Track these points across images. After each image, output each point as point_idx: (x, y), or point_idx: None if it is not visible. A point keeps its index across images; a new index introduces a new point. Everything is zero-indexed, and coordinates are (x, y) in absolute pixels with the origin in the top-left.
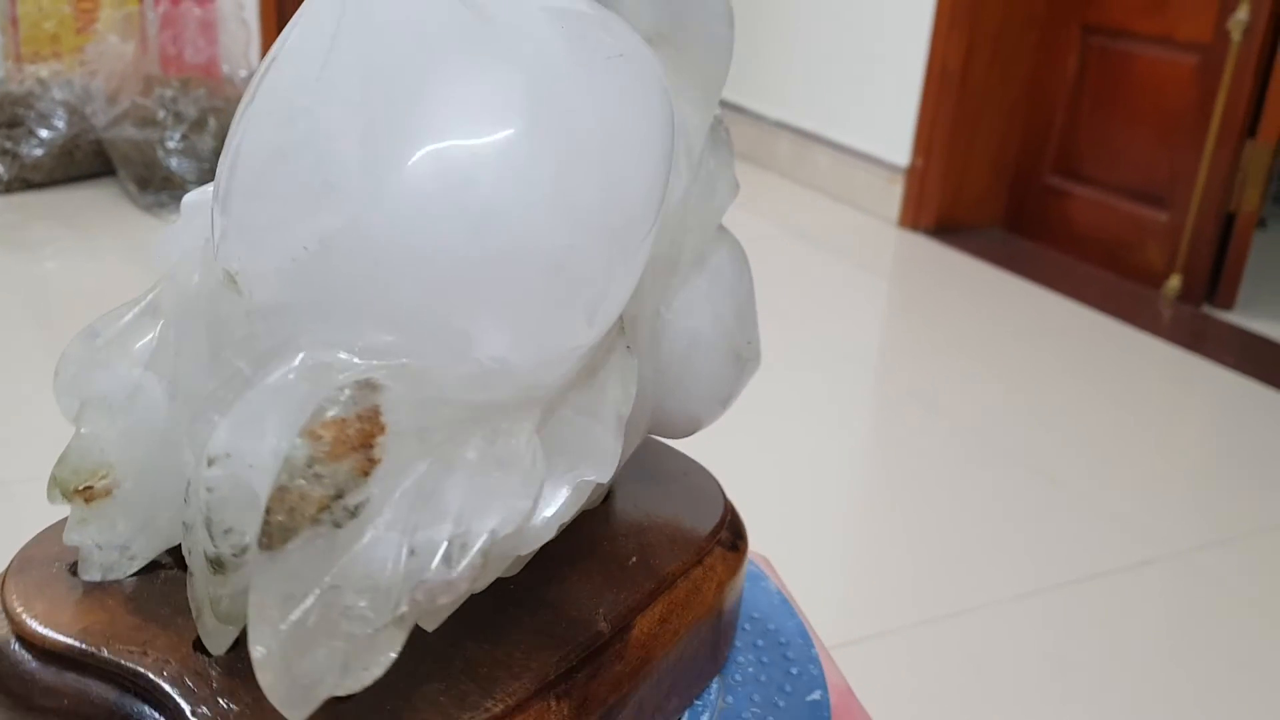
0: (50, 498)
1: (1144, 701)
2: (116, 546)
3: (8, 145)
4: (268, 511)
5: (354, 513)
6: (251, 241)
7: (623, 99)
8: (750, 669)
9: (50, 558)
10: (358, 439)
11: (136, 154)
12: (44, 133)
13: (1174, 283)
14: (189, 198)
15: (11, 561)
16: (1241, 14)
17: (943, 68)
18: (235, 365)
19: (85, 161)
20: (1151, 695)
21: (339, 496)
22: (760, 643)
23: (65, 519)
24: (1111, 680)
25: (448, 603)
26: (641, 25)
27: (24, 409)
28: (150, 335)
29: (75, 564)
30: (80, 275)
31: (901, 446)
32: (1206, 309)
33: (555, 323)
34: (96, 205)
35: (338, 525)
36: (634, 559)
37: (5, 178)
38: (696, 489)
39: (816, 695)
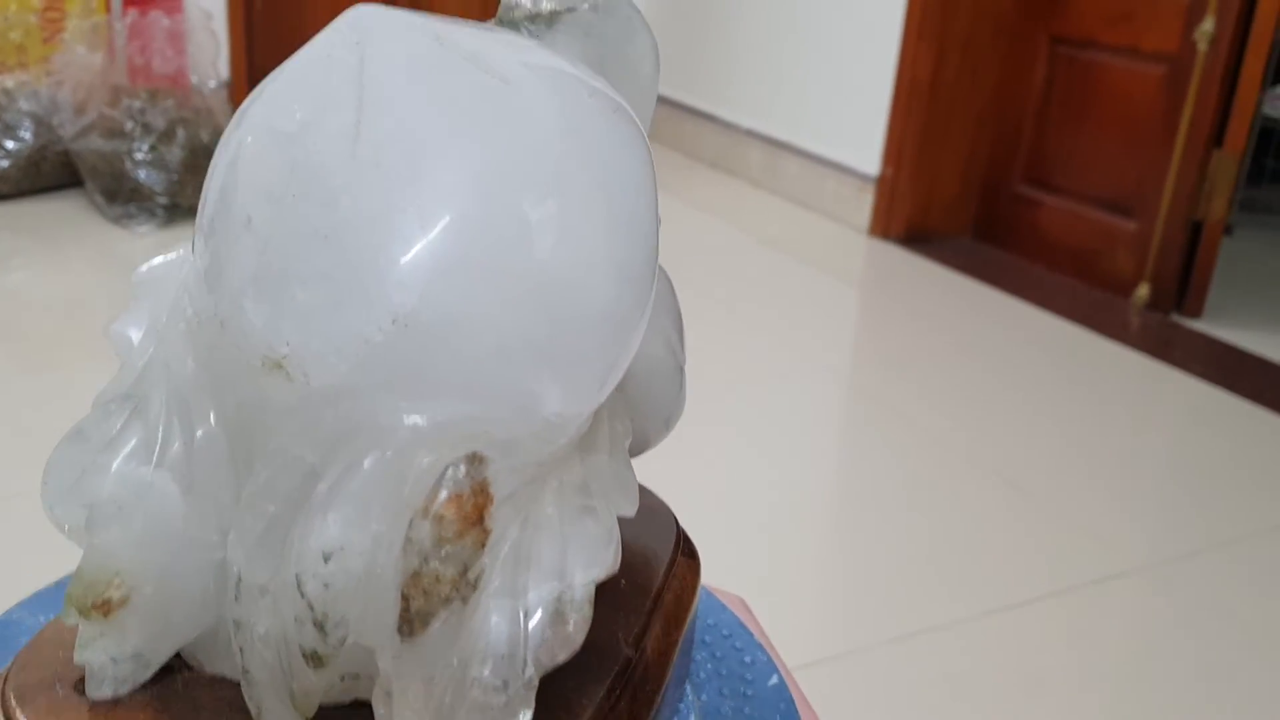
0: (66, 619)
1: (1116, 718)
2: (130, 657)
3: None
4: (406, 599)
5: (475, 585)
6: (305, 327)
7: (627, 149)
8: (709, 664)
9: (47, 682)
10: (474, 514)
11: (104, 165)
12: (10, 144)
13: (1143, 291)
14: (140, 275)
15: (6, 693)
16: (1207, 25)
17: (912, 77)
18: (293, 454)
19: (52, 173)
20: (1123, 712)
21: (464, 573)
22: (708, 639)
23: (43, 630)
24: (1082, 697)
25: (566, 658)
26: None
27: (8, 412)
28: (148, 431)
29: (80, 682)
30: (48, 287)
31: (869, 458)
32: (1175, 317)
33: (606, 371)
34: (64, 217)
35: (464, 601)
36: (623, 581)
37: None
38: (645, 506)
39: (775, 679)
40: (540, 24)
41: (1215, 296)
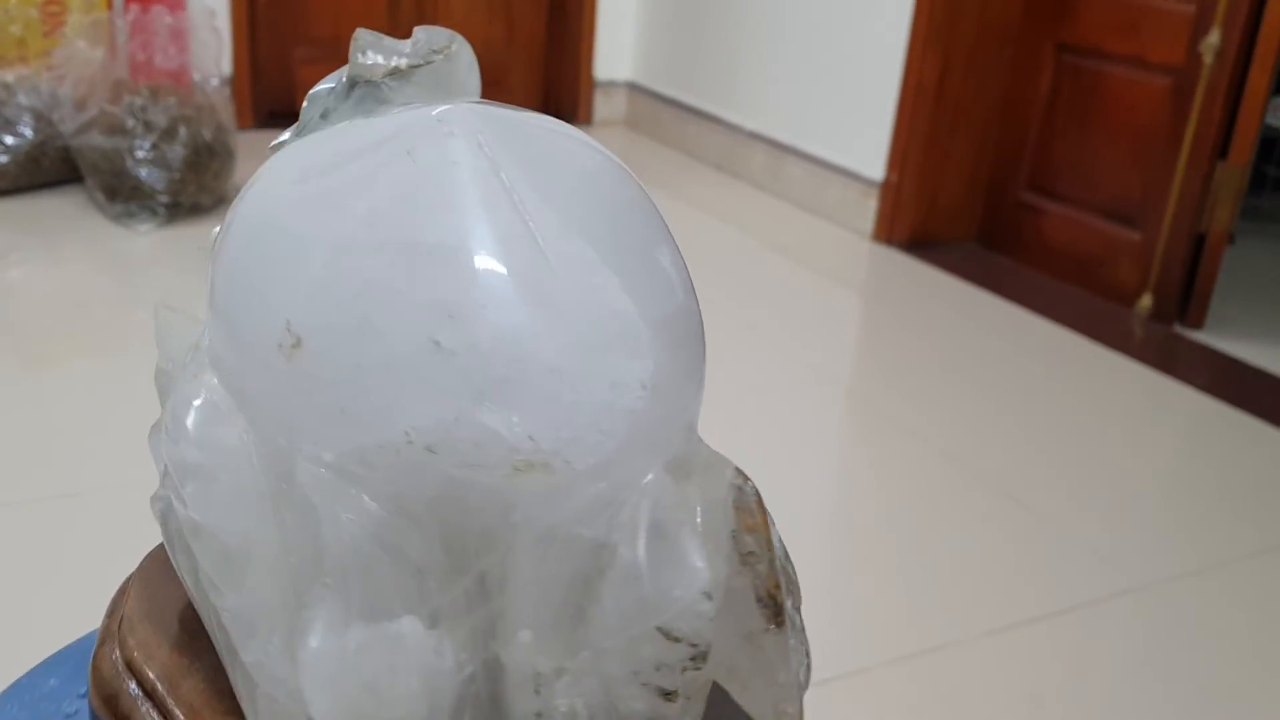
0: None
1: None
2: None
3: None
4: (772, 598)
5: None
6: (552, 419)
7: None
8: None
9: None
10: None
11: (105, 162)
12: (9, 139)
13: (1145, 301)
14: (161, 369)
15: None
16: (1213, 37)
17: (918, 83)
18: (568, 536)
19: (52, 169)
20: None
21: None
22: None
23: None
24: (1083, 718)
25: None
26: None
27: (16, 418)
28: (342, 603)
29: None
30: (46, 283)
31: (870, 470)
32: (1177, 328)
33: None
34: (63, 213)
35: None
36: None
37: None
38: None
39: None
40: (399, 78)
41: (1217, 306)
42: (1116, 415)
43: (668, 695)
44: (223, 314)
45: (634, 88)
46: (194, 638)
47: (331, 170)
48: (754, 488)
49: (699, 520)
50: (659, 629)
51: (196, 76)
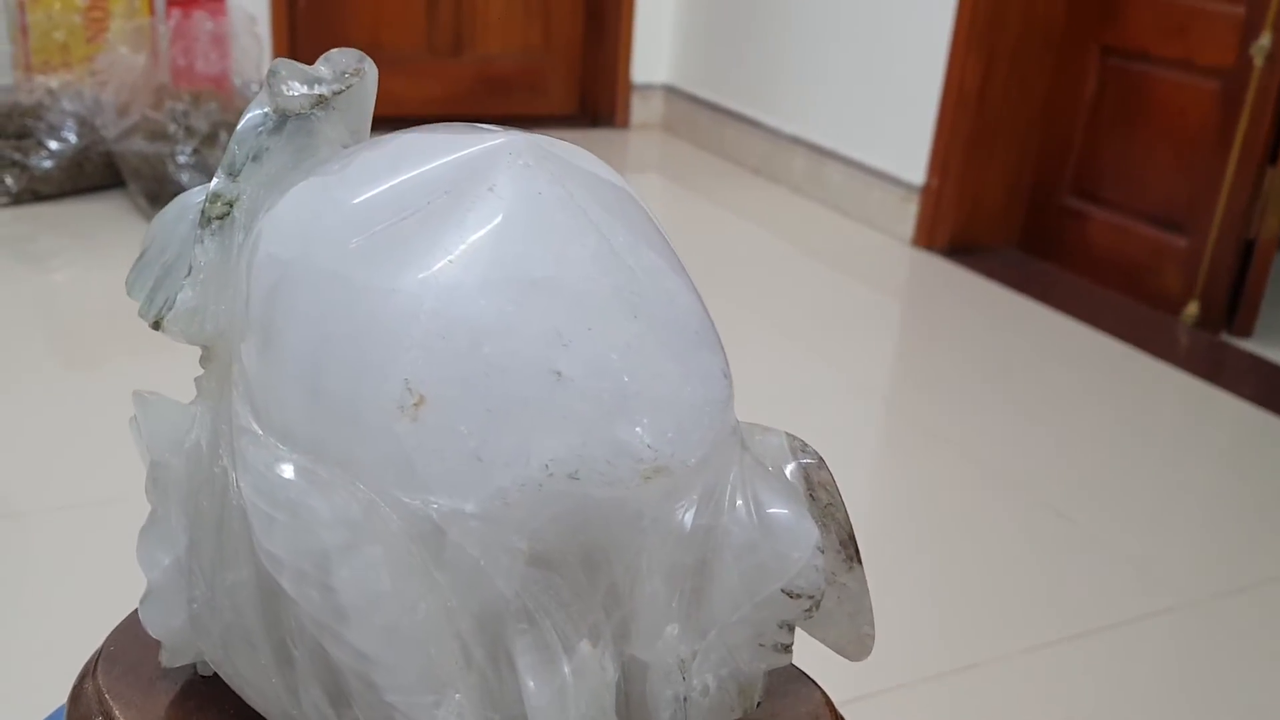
0: None
1: None
2: None
3: (16, 157)
4: (853, 539)
5: None
6: (675, 429)
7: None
8: None
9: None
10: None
11: (147, 168)
12: (53, 144)
13: (1192, 309)
14: (156, 469)
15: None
16: (1264, 40)
17: (960, 87)
18: (699, 524)
19: (95, 174)
20: None
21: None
22: None
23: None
24: None
25: None
26: (343, 135)
27: (28, 423)
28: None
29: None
30: (89, 287)
31: (910, 480)
32: (1225, 337)
33: None
34: (106, 218)
35: None
36: None
37: (14, 189)
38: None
39: None
40: (325, 106)
41: (1266, 314)
42: (1161, 426)
43: (786, 648)
44: (308, 387)
45: (671, 91)
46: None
47: (398, 216)
48: (809, 445)
49: (787, 486)
50: (782, 590)
51: (237, 81)
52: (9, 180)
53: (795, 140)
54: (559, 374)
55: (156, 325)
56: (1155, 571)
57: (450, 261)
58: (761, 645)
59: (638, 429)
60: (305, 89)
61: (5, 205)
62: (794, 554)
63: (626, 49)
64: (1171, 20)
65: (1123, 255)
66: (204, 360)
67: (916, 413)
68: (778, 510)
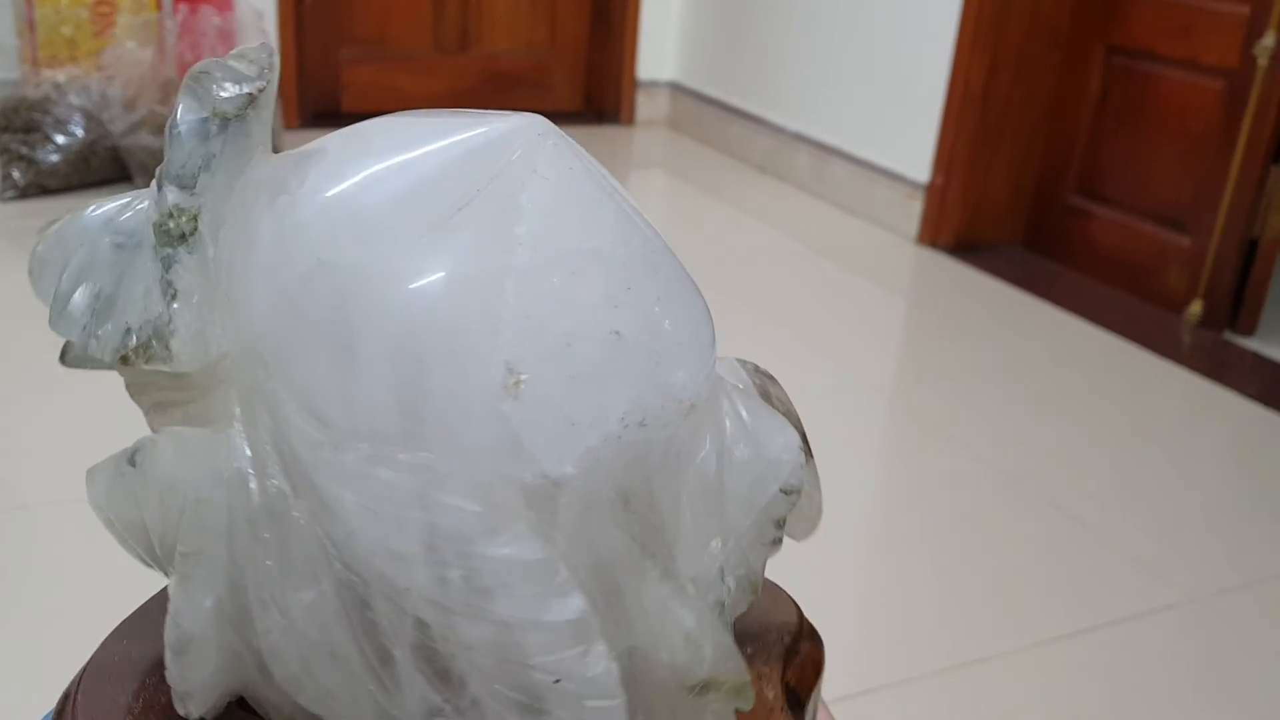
0: None
1: None
2: None
3: (24, 151)
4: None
5: None
6: (698, 371)
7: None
8: None
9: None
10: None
11: (154, 162)
12: (60, 138)
13: (1195, 308)
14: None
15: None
16: (1268, 40)
17: (965, 85)
18: (713, 450)
19: (101, 168)
20: None
21: None
22: None
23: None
24: None
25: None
26: (265, 135)
27: (36, 414)
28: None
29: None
30: None
31: (914, 479)
32: (1228, 335)
33: None
34: None
35: None
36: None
37: (21, 183)
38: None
39: None
40: (254, 105)
41: (1269, 313)
42: (1164, 424)
43: (779, 540)
44: (402, 387)
45: (677, 88)
46: None
47: (453, 207)
48: (760, 366)
49: (761, 400)
50: (780, 489)
51: None
52: (16, 174)
53: (800, 137)
54: (618, 333)
55: (125, 360)
56: (1159, 568)
57: (519, 245)
58: (763, 543)
59: (680, 373)
60: (238, 89)
61: (12, 199)
62: (784, 457)
63: (632, 46)
64: (1176, 20)
65: (1127, 254)
66: (149, 390)
67: (920, 410)
68: (764, 423)
